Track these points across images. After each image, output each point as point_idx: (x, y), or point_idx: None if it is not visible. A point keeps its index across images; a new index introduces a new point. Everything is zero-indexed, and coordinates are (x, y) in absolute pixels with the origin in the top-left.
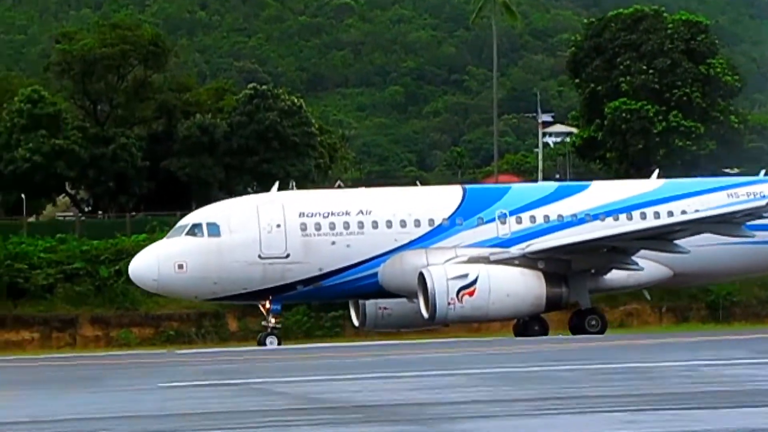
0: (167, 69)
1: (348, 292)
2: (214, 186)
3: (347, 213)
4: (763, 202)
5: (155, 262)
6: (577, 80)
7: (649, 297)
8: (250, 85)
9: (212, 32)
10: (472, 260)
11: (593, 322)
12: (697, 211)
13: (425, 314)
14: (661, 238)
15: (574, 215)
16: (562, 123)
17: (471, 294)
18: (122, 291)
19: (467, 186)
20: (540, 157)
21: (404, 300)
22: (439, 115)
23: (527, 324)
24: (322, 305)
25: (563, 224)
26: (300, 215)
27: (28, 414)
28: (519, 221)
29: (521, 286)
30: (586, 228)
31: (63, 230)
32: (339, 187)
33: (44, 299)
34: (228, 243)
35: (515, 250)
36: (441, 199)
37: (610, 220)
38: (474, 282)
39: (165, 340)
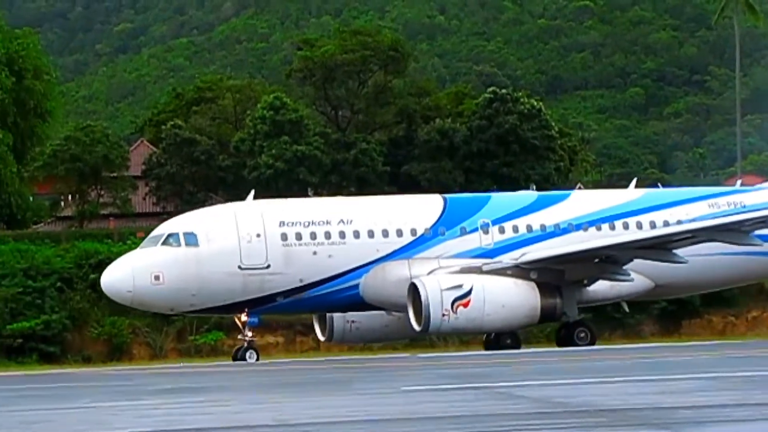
0: (407, 74)
1: (328, 305)
2: (454, 190)
3: (328, 222)
4: None
5: (130, 273)
6: None
7: (627, 309)
8: (490, 89)
9: (451, 36)
10: (465, 270)
11: (582, 335)
12: (679, 221)
13: (416, 326)
14: (660, 247)
15: (557, 225)
16: None
17: (466, 305)
18: None
19: (447, 195)
20: None
21: (373, 313)
22: (681, 116)
23: (499, 337)
24: None
25: (547, 234)
26: (280, 224)
27: (274, 418)
28: (502, 231)
29: (516, 297)
30: (570, 238)
31: None
32: (579, 188)
33: None
34: (206, 253)
35: (508, 260)
36: (422, 209)
37: (593, 230)
38: (468, 293)
39: (407, 344)
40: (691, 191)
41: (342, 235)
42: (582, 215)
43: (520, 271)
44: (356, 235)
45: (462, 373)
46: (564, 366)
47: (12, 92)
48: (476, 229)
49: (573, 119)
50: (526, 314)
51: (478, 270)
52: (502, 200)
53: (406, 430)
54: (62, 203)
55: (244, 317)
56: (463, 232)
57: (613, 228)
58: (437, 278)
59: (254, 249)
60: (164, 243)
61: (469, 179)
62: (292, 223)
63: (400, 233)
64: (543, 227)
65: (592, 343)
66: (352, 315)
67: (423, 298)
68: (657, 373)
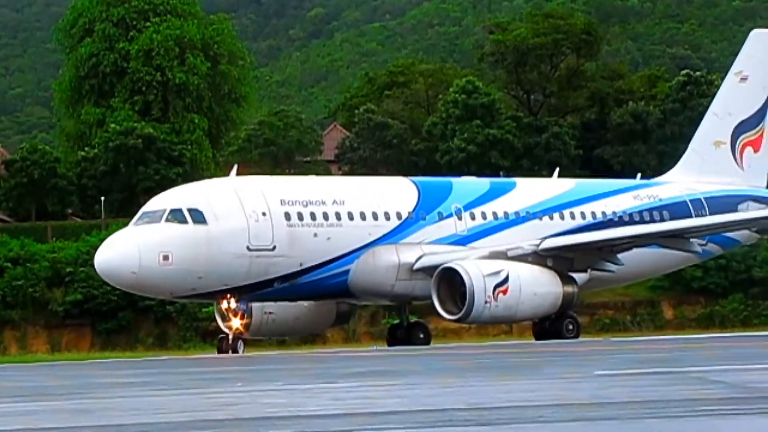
0: (599, 57)
1: (319, 291)
2: (647, 174)
3: (323, 202)
4: None
5: (136, 251)
6: None
7: None
8: (683, 72)
9: (644, 19)
10: (493, 256)
11: (570, 326)
12: (614, 212)
13: (446, 315)
14: (680, 236)
15: (517, 213)
16: None
17: (505, 292)
18: None
19: (414, 178)
20: None
21: (287, 304)
22: None
23: (411, 329)
24: (763, 292)
25: (510, 222)
26: (282, 203)
27: (466, 401)
28: (473, 217)
29: (545, 284)
30: (532, 226)
31: None
32: None
33: None
34: (216, 232)
35: (527, 246)
36: (400, 191)
37: (546, 218)
38: (506, 279)
39: (600, 328)
40: (615, 183)
41: (338, 216)
42: (533, 204)
43: (539, 258)
44: (350, 216)
45: (654, 357)
46: (754, 351)
47: (207, 78)
48: (451, 215)
49: None
50: (551, 302)
51: (504, 255)
52: (463, 186)
53: (600, 414)
54: None
55: (228, 303)
56: (441, 217)
57: (562, 218)
58: (476, 263)
59: (261, 228)
60: (168, 220)
61: (663, 163)
62: (293, 202)
63: (387, 216)
64: (506, 215)
65: (577, 336)
66: (269, 306)
67: (468, 284)
68: None
